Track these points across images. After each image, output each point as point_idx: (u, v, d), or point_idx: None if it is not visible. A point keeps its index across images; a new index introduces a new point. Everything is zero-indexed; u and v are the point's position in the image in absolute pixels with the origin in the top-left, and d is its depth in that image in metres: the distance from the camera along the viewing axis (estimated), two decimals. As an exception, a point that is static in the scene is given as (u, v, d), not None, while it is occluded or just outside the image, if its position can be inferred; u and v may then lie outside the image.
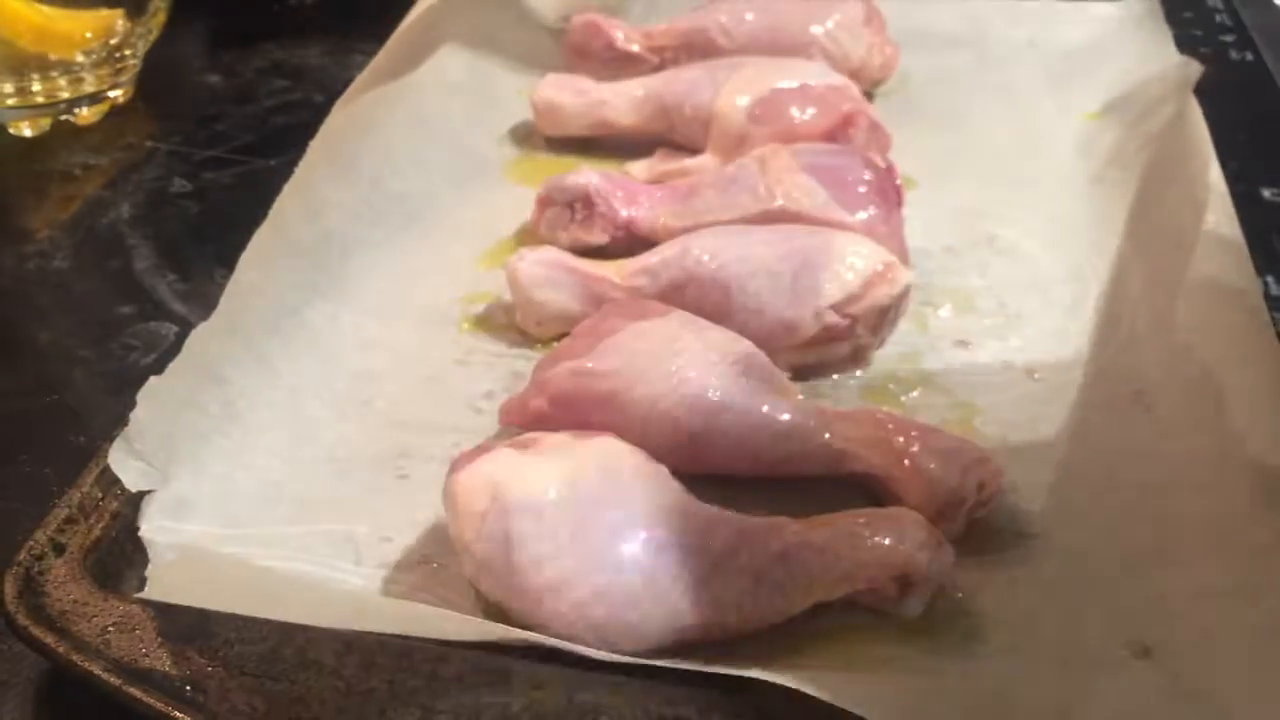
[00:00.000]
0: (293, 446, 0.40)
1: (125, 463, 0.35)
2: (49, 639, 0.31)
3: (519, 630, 0.32)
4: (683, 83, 0.57)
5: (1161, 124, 0.54)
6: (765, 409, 0.39)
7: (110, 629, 0.32)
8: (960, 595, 0.36)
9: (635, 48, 0.62)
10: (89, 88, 0.61)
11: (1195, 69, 0.53)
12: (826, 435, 0.39)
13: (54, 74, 0.59)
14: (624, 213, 0.50)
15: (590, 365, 0.39)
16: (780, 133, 0.52)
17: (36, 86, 0.59)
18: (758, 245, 0.45)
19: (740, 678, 0.31)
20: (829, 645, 0.35)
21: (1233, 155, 0.50)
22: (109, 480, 0.35)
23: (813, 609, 0.35)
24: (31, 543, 0.33)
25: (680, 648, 0.33)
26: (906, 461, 0.38)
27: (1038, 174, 0.57)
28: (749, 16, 0.61)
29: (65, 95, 0.60)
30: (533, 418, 0.40)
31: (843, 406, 0.40)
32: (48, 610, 0.32)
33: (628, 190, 0.50)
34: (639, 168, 0.56)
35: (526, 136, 0.60)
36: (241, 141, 0.62)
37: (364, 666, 0.31)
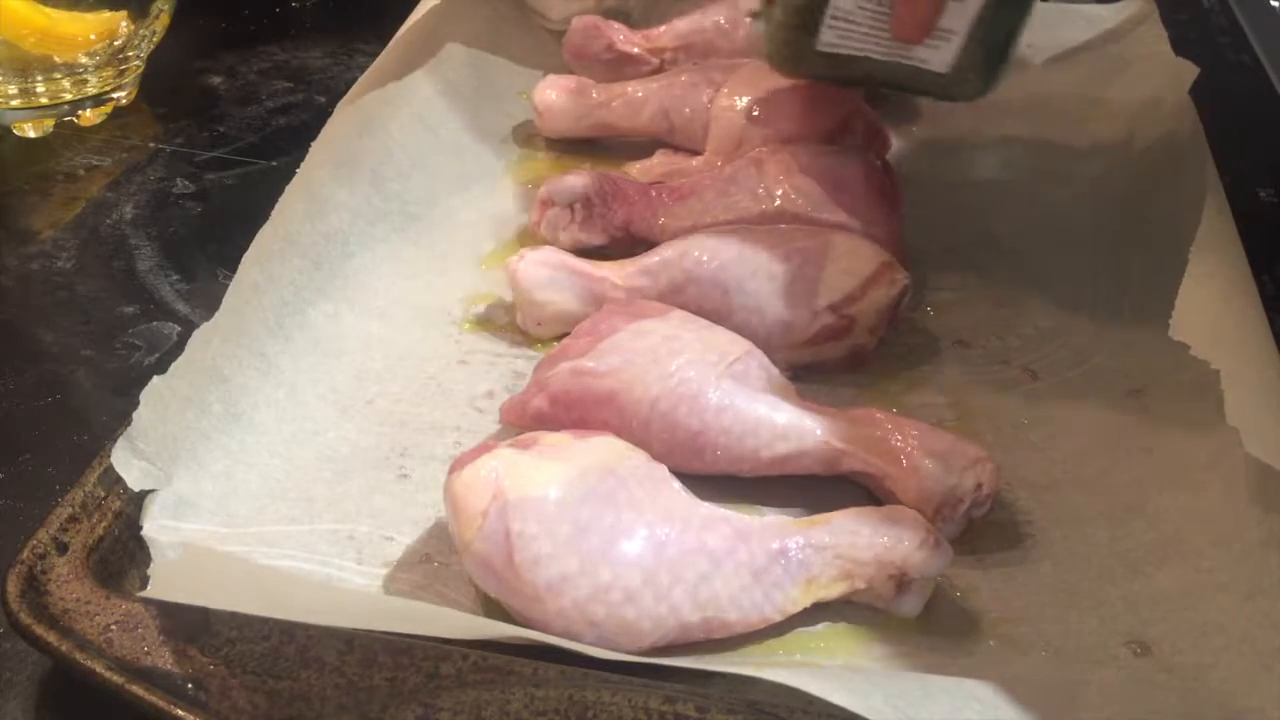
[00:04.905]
0: (294, 445, 0.40)
1: (128, 462, 0.35)
2: (51, 637, 0.31)
3: (519, 628, 0.32)
4: (682, 84, 0.57)
5: (1158, 125, 0.55)
6: (764, 409, 0.39)
7: (112, 627, 0.32)
8: (958, 594, 0.36)
9: (635, 49, 0.62)
10: (92, 89, 0.61)
11: (1191, 70, 0.53)
12: (825, 435, 0.39)
13: (58, 75, 0.60)
14: (623, 214, 0.50)
15: (590, 365, 0.40)
16: (779, 134, 0.52)
17: (40, 88, 0.60)
18: (757, 246, 0.45)
19: (739, 676, 0.31)
20: (827, 643, 0.35)
21: (1229, 156, 0.50)
22: (111, 479, 0.35)
23: (811, 607, 0.35)
24: (34, 541, 0.34)
25: (679, 646, 0.34)
26: (904, 461, 0.38)
27: (1036, 175, 0.57)
28: (748, 18, 0.61)
29: (69, 97, 0.60)
30: (533, 417, 0.40)
31: (841, 406, 0.40)
32: (50, 609, 0.32)
33: (627, 191, 0.50)
34: (639, 168, 0.56)
35: (527, 137, 0.60)
36: (244, 142, 0.62)
37: (365, 664, 0.31)
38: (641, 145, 0.58)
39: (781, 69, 0.51)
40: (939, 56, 0.44)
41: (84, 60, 0.60)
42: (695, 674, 0.32)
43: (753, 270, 0.44)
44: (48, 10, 0.58)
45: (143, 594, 0.31)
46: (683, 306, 0.43)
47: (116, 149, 0.61)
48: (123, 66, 0.62)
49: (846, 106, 0.53)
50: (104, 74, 0.61)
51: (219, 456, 0.38)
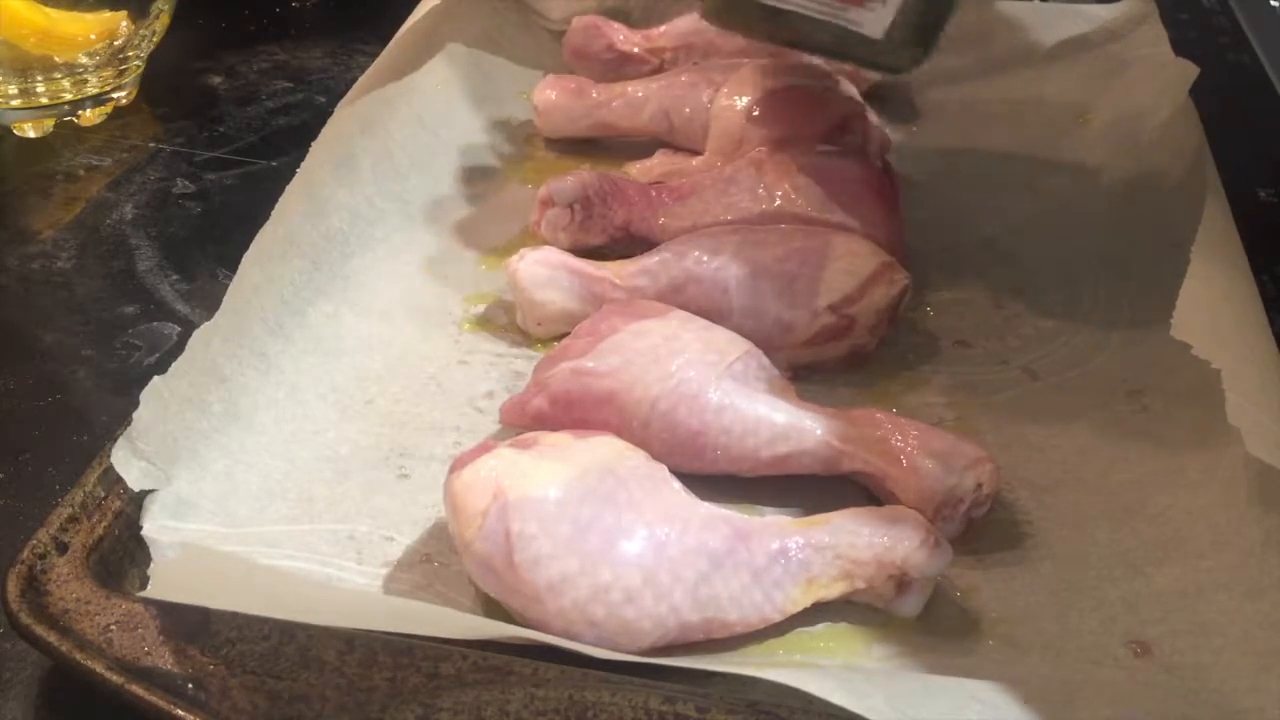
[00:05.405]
0: (294, 445, 0.40)
1: (128, 462, 0.35)
2: (51, 637, 0.31)
3: (519, 628, 0.32)
4: (682, 84, 0.57)
5: (1158, 125, 0.55)
6: (764, 409, 0.39)
7: (112, 627, 0.32)
8: (958, 594, 0.36)
9: (635, 49, 0.62)
10: (92, 89, 0.61)
11: (1192, 70, 0.53)
12: (825, 435, 0.39)
13: (58, 75, 0.60)
14: (623, 214, 0.50)
15: (590, 365, 0.40)
16: (779, 134, 0.52)
17: (40, 88, 0.60)
18: (756, 246, 0.45)
19: (739, 676, 0.31)
20: (827, 643, 0.35)
21: (1229, 156, 0.50)
22: (112, 479, 0.35)
23: (811, 607, 0.35)
24: (34, 541, 0.34)
25: (680, 646, 0.34)
26: (904, 461, 0.38)
27: (1036, 175, 0.57)
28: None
29: (69, 96, 0.60)
30: (533, 417, 0.40)
31: (841, 406, 0.40)
32: (50, 609, 0.32)
33: (627, 191, 0.50)
34: (639, 168, 0.56)
35: (527, 137, 0.60)
36: (244, 142, 0.62)
37: (365, 664, 0.31)
38: (641, 145, 0.58)
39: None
40: (874, 21, 0.44)
41: (84, 60, 0.60)
42: (695, 674, 0.32)
43: (753, 270, 0.44)
44: (48, 10, 0.58)
45: (143, 594, 0.31)
46: (683, 306, 0.43)
47: (116, 149, 0.61)
48: (123, 66, 0.62)
49: (846, 106, 0.53)
50: (104, 74, 0.61)
51: (219, 456, 0.38)
